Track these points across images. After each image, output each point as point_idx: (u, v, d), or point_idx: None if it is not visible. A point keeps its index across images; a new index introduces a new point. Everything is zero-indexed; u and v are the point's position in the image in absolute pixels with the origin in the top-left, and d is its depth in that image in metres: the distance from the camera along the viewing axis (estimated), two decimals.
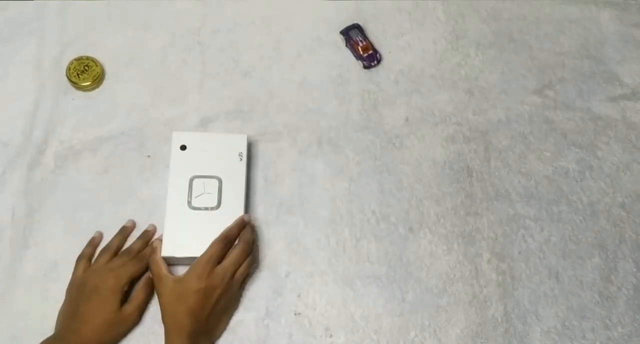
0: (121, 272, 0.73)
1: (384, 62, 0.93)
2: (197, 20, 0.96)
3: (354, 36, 0.94)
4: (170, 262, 0.75)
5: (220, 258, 0.71)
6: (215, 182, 0.77)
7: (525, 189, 0.85)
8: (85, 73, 0.89)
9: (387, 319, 0.76)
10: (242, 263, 0.73)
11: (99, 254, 0.77)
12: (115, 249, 0.77)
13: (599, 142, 0.89)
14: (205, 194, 0.76)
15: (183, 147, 0.78)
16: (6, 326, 0.74)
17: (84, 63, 0.90)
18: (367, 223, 0.82)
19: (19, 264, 0.78)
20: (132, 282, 0.75)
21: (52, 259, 0.78)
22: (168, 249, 0.74)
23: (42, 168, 0.84)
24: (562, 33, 0.98)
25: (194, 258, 0.71)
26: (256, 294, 0.77)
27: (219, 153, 0.79)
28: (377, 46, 0.94)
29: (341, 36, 0.95)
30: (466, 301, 0.77)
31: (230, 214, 0.76)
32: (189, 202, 0.76)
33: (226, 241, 0.72)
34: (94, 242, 0.78)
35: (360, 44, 0.93)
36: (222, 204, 0.76)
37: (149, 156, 0.85)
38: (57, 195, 0.82)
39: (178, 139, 0.79)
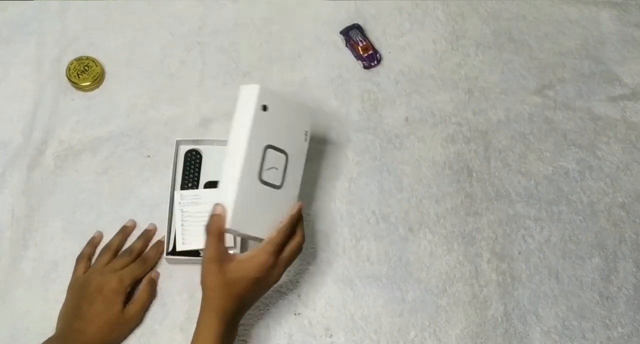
0: (125, 274, 0.73)
1: (384, 62, 0.93)
2: (197, 20, 0.96)
3: (354, 36, 0.93)
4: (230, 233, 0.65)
5: (282, 249, 0.66)
6: (282, 157, 0.67)
7: (525, 189, 0.85)
8: (85, 73, 0.89)
9: (387, 319, 0.76)
10: (296, 256, 0.68)
11: (100, 254, 0.77)
12: (116, 249, 0.77)
13: (599, 142, 0.89)
14: (273, 169, 0.66)
15: (265, 108, 0.65)
16: (6, 326, 0.74)
17: (84, 63, 0.90)
18: (367, 223, 0.82)
19: (19, 264, 0.78)
20: (135, 283, 0.75)
21: (52, 259, 0.78)
22: (236, 223, 0.63)
23: (41, 168, 0.84)
24: (562, 33, 0.98)
25: (254, 238, 0.65)
26: None
27: (290, 125, 0.69)
28: (377, 46, 0.94)
29: (341, 36, 0.95)
30: (466, 301, 0.77)
31: (287, 197, 0.68)
32: (260, 175, 0.65)
33: (291, 231, 0.66)
34: (93, 242, 0.78)
35: (360, 44, 0.93)
36: (284, 185, 0.67)
37: (149, 156, 0.85)
38: (57, 195, 0.82)
39: (262, 95, 0.65)
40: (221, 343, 0.63)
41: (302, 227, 0.69)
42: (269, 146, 0.66)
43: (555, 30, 0.98)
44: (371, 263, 0.79)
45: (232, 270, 0.63)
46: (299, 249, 0.68)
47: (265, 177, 0.66)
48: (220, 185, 0.65)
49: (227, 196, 0.63)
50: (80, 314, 0.70)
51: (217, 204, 0.64)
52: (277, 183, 0.67)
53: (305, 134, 0.70)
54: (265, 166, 0.66)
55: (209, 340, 0.63)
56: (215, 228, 0.63)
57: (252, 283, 0.64)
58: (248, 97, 0.65)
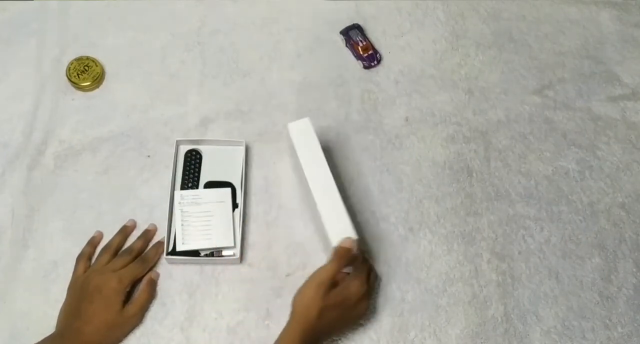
0: (124, 274, 0.73)
1: (384, 62, 0.93)
2: (197, 20, 0.96)
3: (354, 36, 0.94)
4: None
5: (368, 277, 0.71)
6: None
7: (525, 189, 0.85)
8: (85, 73, 0.89)
9: (387, 319, 0.76)
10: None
11: (100, 254, 0.77)
12: (116, 249, 0.77)
13: (599, 142, 0.89)
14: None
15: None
16: (6, 326, 0.74)
17: (84, 63, 0.90)
18: (367, 223, 0.82)
19: (19, 264, 0.78)
20: (134, 282, 0.75)
21: (52, 259, 0.78)
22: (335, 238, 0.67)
23: (41, 168, 0.84)
24: (562, 33, 0.98)
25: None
26: (256, 294, 0.77)
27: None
28: (377, 46, 0.94)
29: (341, 36, 0.95)
30: (466, 301, 0.77)
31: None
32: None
33: (340, 259, 0.67)
34: (93, 242, 0.79)
35: (360, 44, 0.93)
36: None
37: (149, 156, 0.85)
38: (57, 195, 0.82)
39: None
40: None
41: (364, 259, 0.73)
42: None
43: (555, 30, 0.98)
44: (371, 263, 0.79)
45: (333, 295, 0.66)
46: (375, 281, 0.74)
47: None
48: (325, 221, 0.68)
49: (345, 227, 0.67)
50: (80, 313, 0.70)
51: (347, 238, 0.67)
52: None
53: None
54: None
55: None
56: (345, 251, 0.67)
57: (343, 312, 0.67)
58: (304, 131, 0.73)
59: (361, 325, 0.75)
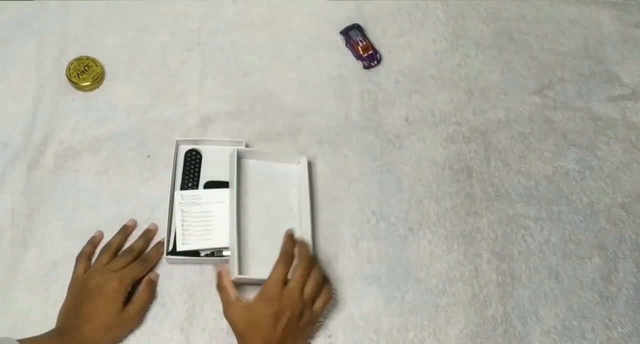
0: (124, 274, 0.73)
1: (384, 62, 0.93)
2: (197, 20, 0.96)
3: (354, 36, 0.93)
4: (239, 282, 0.73)
5: (286, 277, 0.69)
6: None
7: (525, 189, 0.85)
8: (85, 73, 0.89)
9: (386, 319, 0.76)
10: (307, 278, 0.70)
11: (100, 253, 0.77)
12: (116, 248, 0.77)
13: (599, 142, 0.89)
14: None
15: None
16: (6, 326, 0.74)
17: (84, 63, 0.90)
18: (367, 223, 0.82)
19: (19, 264, 0.78)
20: (134, 283, 0.75)
21: (52, 259, 0.78)
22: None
23: (41, 168, 0.84)
24: (562, 33, 0.98)
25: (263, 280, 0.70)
26: None
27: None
28: (377, 46, 0.94)
29: (341, 36, 0.95)
30: (466, 301, 0.77)
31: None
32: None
33: (287, 259, 0.70)
34: (94, 241, 0.78)
35: (360, 44, 0.93)
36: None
37: (149, 156, 0.85)
38: (57, 195, 0.82)
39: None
40: None
41: (302, 252, 0.72)
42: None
43: (555, 30, 0.98)
44: (371, 262, 0.79)
45: (247, 312, 0.68)
46: (306, 272, 0.70)
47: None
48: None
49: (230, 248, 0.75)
50: (79, 313, 0.70)
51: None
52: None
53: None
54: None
55: None
56: (222, 289, 0.72)
57: (271, 319, 0.66)
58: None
59: (364, 322, 0.75)
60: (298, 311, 0.68)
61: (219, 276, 0.72)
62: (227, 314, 0.70)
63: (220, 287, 0.72)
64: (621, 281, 0.79)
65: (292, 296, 0.68)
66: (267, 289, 0.68)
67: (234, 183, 0.76)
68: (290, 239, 0.73)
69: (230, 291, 0.70)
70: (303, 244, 0.73)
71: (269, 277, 0.69)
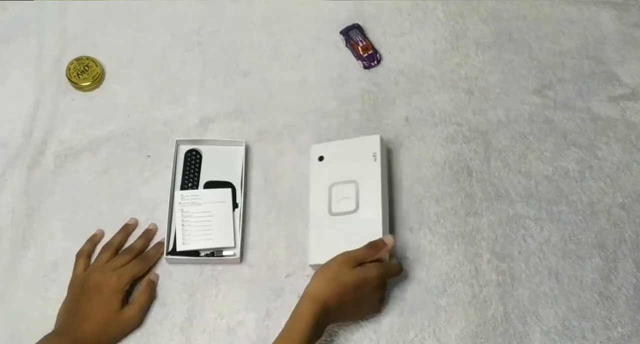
0: (123, 272, 0.73)
1: (384, 62, 0.93)
2: (197, 21, 0.96)
3: (354, 36, 0.94)
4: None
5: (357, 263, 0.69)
6: (352, 186, 0.78)
7: (525, 189, 0.85)
8: (85, 73, 0.89)
9: (386, 319, 0.76)
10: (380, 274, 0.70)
11: (100, 252, 0.77)
12: (117, 247, 0.77)
13: (599, 142, 0.89)
14: (344, 199, 0.77)
15: (321, 158, 0.81)
16: (6, 326, 0.74)
17: (84, 63, 0.90)
18: None
19: (19, 264, 0.78)
20: (134, 282, 0.75)
21: (52, 259, 0.78)
22: (315, 258, 0.75)
23: (41, 168, 0.84)
24: (562, 33, 0.98)
25: None
26: (256, 295, 0.77)
27: (354, 157, 0.80)
28: (377, 46, 0.94)
29: (341, 36, 0.95)
30: (466, 301, 0.77)
31: (369, 214, 0.76)
32: (329, 210, 0.77)
33: (372, 250, 0.71)
34: (94, 239, 0.79)
35: (360, 44, 0.93)
36: (359, 207, 0.76)
37: (149, 156, 0.85)
38: (57, 195, 0.82)
39: (316, 150, 0.82)
40: (313, 329, 0.65)
41: (388, 263, 0.73)
42: (334, 184, 0.79)
43: (555, 30, 0.98)
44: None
45: (356, 272, 0.68)
46: (381, 272, 0.70)
47: (335, 209, 0.77)
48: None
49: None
50: (78, 311, 0.70)
51: (389, 235, 0.73)
52: (351, 208, 0.76)
53: (374, 156, 0.79)
54: (334, 200, 0.78)
55: (303, 323, 0.65)
56: (382, 244, 0.71)
57: (360, 295, 0.68)
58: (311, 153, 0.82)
59: (364, 322, 0.75)
60: (374, 310, 0.73)
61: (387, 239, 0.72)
62: (347, 257, 0.69)
63: (377, 245, 0.71)
64: (621, 281, 0.79)
65: (381, 292, 0.72)
66: (379, 274, 0.69)
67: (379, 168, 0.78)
68: (385, 251, 0.72)
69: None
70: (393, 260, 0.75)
71: (344, 254, 0.69)
